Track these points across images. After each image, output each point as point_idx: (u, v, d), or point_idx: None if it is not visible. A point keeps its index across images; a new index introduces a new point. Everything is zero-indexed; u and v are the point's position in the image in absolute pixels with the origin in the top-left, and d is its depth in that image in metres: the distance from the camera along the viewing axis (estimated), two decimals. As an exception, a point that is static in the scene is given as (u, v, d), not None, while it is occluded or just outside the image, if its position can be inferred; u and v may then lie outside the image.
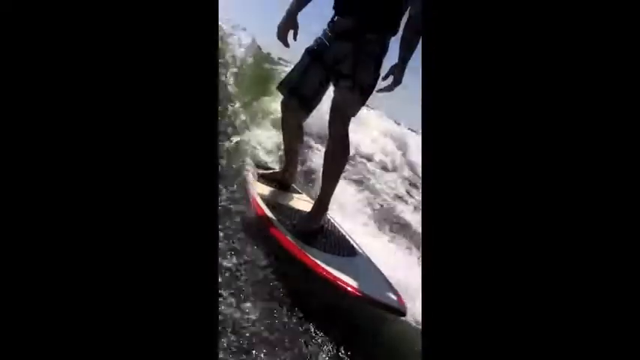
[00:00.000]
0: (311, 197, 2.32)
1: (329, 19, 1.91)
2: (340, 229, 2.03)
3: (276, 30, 1.87)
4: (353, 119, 1.87)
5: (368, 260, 1.81)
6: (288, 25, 1.87)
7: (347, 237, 1.95)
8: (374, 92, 1.86)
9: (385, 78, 1.82)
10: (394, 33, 1.84)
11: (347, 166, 2.24)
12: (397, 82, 1.81)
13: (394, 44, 1.85)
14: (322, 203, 1.92)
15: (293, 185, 2.39)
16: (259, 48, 4.39)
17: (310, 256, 1.58)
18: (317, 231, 1.84)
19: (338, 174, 1.90)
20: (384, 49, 1.83)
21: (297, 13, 1.88)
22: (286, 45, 1.90)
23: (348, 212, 2.57)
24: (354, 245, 1.89)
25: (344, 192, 2.70)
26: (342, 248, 1.80)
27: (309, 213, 1.94)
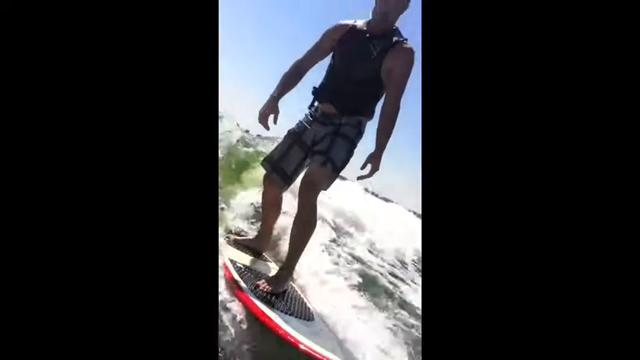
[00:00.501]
0: (278, 261, 2.46)
1: (309, 103, 2.16)
2: (301, 294, 2.18)
3: (257, 114, 2.11)
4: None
5: (324, 324, 1.98)
6: (269, 110, 2.10)
7: (306, 303, 2.11)
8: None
9: (363, 166, 1.98)
10: (369, 118, 2.09)
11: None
12: (375, 169, 1.98)
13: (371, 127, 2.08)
14: (287, 269, 2.05)
15: (264, 254, 2.52)
16: (237, 125, 4.75)
17: (271, 317, 1.71)
18: (279, 295, 1.95)
19: (304, 242, 2.03)
20: (359, 132, 2.07)
21: (278, 100, 2.11)
22: (267, 128, 2.14)
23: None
24: (312, 310, 2.05)
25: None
26: (301, 312, 1.94)
27: (273, 277, 2.04)
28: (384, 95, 2.02)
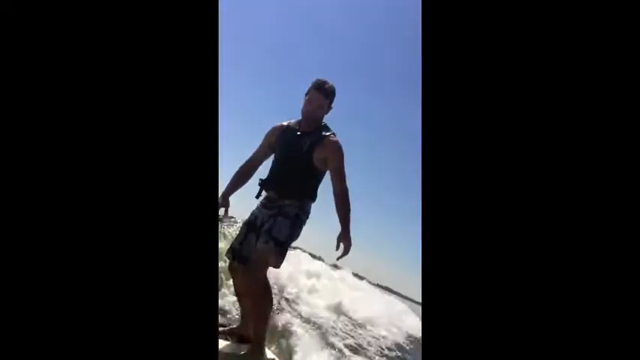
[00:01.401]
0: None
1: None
2: None
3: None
4: None
5: None
6: (222, 204, 2.42)
7: None
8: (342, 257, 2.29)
9: (337, 247, 2.23)
10: (311, 200, 2.38)
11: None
12: (348, 245, 2.23)
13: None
14: (255, 343, 2.23)
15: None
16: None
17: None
18: None
19: (264, 315, 2.23)
20: (303, 211, 2.33)
21: (228, 196, 2.45)
22: (220, 219, 2.47)
23: None
24: None
25: None
26: None
27: (246, 354, 2.20)
28: (318, 179, 2.36)
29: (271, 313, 2.31)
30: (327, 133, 2.31)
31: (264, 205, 2.39)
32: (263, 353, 2.25)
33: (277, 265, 2.23)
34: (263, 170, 2.45)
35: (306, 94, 2.34)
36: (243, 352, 2.20)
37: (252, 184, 2.41)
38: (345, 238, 2.22)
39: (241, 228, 2.45)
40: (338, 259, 2.28)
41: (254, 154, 2.50)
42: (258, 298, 2.20)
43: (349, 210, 2.28)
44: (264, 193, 2.40)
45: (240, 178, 2.49)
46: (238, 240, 2.38)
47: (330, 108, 2.36)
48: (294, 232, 2.29)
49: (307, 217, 2.36)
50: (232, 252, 2.37)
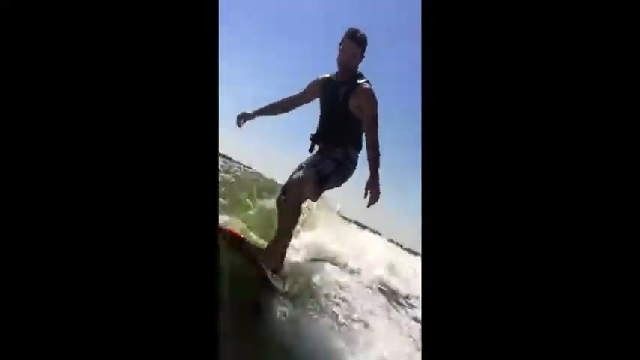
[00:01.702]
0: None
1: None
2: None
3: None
4: None
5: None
6: (244, 116, 2.68)
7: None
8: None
9: (366, 194, 2.33)
10: (356, 149, 2.55)
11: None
12: (376, 192, 2.33)
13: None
14: (271, 249, 2.48)
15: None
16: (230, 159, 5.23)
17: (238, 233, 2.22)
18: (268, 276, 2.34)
19: (286, 229, 2.46)
20: (349, 159, 2.52)
21: (255, 115, 2.69)
22: (238, 126, 2.69)
23: None
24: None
25: None
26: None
27: (264, 251, 2.48)
28: (358, 126, 2.49)
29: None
30: (361, 81, 2.42)
31: (315, 154, 2.60)
32: (276, 259, 2.49)
33: (313, 198, 2.50)
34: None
35: (340, 44, 2.45)
36: (265, 248, 2.49)
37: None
38: (372, 186, 2.31)
39: (296, 169, 2.62)
40: (368, 206, 2.36)
41: (295, 96, 2.71)
42: (286, 214, 2.42)
43: (378, 159, 2.36)
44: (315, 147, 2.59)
45: (274, 107, 2.71)
46: (290, 177, 2.59)
47: (362, 57, 2.47)
48: (338, 174, 2.48)
49: (354, 167, 2.54)
50: (282, 191, 2.57)
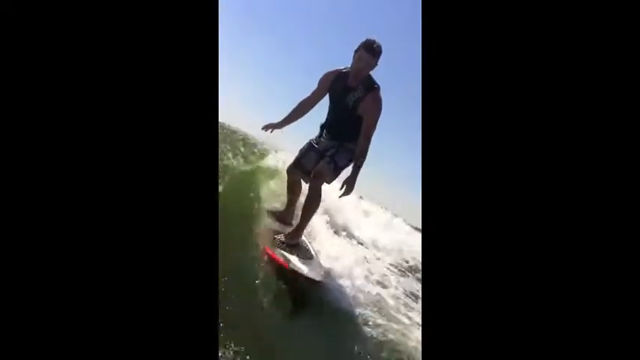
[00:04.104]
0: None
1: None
2: (307, 245, 3.12)
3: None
4: None
5: (318, 260, 2.94)
6: (271, 126, 3.07)
7: (310, 249, 3.07)
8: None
9: (341, 188, 2.72)
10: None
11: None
12: (350, 189, 2.72)
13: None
14: (298, 229, 2.98)
15: (292, 223, 3.35)
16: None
17: (280, 257, 2.58)
18: (293, 245, 2.90)
19: (311, 213, 2.94)
20: (352, 152, 2.83)
21: (282, 126, 3.07)
22: (265, 131, 3.10)
23: None
24: (313, 254, 3.01)
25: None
26: (305, 255, 2.88)
27: (289, 234, 2.99)
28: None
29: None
30: (370, 91, 2.67)
31: (326, 138, 2.99)
32: (300, 236, 3.00)
33: (330, 182, 2.84)
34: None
35: (356, 52, 2.66)
36: (288, 232, 3.01)
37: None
38: (350, 183, 2.69)
39: (305, 145, 3.10)
40: (340, 197, 2.77)
41: (309, 97, 2.99)
42: (311, 200, 2.85)
43: (362, 163, 2.72)
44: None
45: (294, 116, 3.04)
46: (300, 153, 3.07)
47: (375, 65, 2.69)
48: (349, 164, 2.82)
49: (364, 157, 2.79)
50: (294, 163, 3.07)
